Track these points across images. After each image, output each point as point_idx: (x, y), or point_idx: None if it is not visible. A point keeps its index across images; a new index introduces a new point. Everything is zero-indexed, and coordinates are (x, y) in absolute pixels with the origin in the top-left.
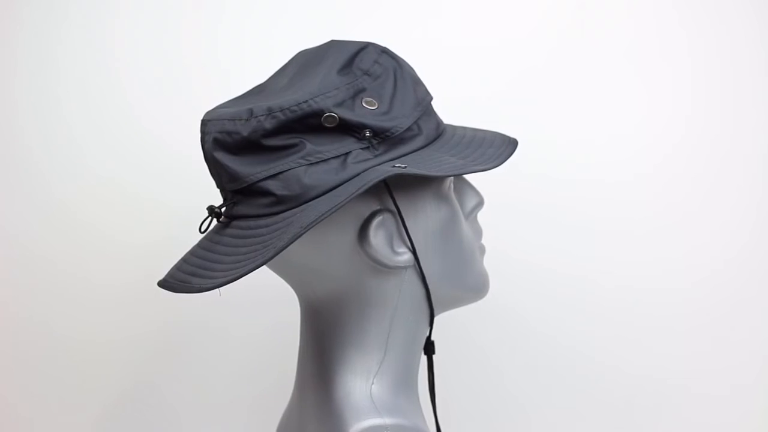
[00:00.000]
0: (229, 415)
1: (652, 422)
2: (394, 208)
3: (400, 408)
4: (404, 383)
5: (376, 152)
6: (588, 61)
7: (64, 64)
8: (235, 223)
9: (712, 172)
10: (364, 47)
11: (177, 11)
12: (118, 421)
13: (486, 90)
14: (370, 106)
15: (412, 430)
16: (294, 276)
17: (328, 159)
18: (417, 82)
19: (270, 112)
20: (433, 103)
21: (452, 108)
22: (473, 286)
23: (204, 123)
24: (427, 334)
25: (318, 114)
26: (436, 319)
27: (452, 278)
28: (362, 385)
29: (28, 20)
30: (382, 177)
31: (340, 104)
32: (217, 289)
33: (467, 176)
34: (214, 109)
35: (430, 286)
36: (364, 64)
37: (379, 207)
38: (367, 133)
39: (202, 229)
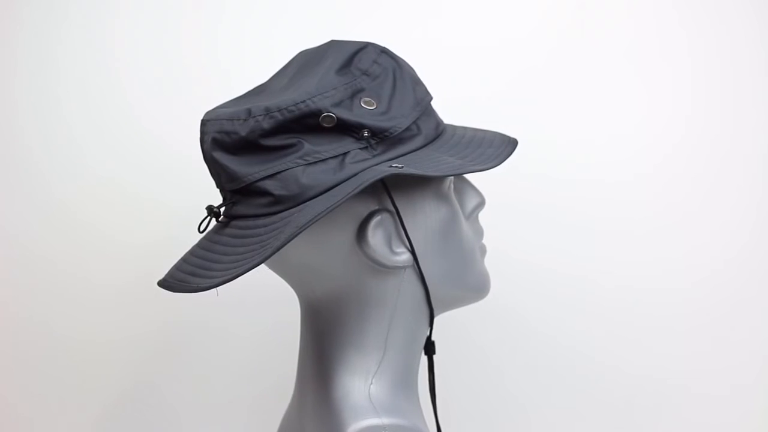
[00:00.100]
0: (229, 415)
1: (652, 422)
2: (392, 208)
3: (398, 408)
4: (404, 383)
5: (375, 152)
6: (588, 61)
7: (64, 64)
8: (234, 222)
9: (712, 172)
10: (364, 47)
11: (177, 11)
12: (118, 421)
13: (486, 90)
14: (368, 106)
15: (410, 430)
16: (294, 276)
17: (326, 159)
18: (416, 82)
19: (268, 112)
20: (433, 103)
21: (452, 108)
22: (474, 286)
23: (203, 123)
24: (427, 334)
25: (316, 114)
26: (436, 319)
27: (452, 278)
28: (361, 385)
29: (28, 20)
30: (378, 177)
31: (338, 104)
32: (214, 289)
33: (468, 176)
34: (213, 109)
35: (429, 286)
36: (362, 64)
37: (377, 207)
38: (366, 133)
39: (201, 229)
